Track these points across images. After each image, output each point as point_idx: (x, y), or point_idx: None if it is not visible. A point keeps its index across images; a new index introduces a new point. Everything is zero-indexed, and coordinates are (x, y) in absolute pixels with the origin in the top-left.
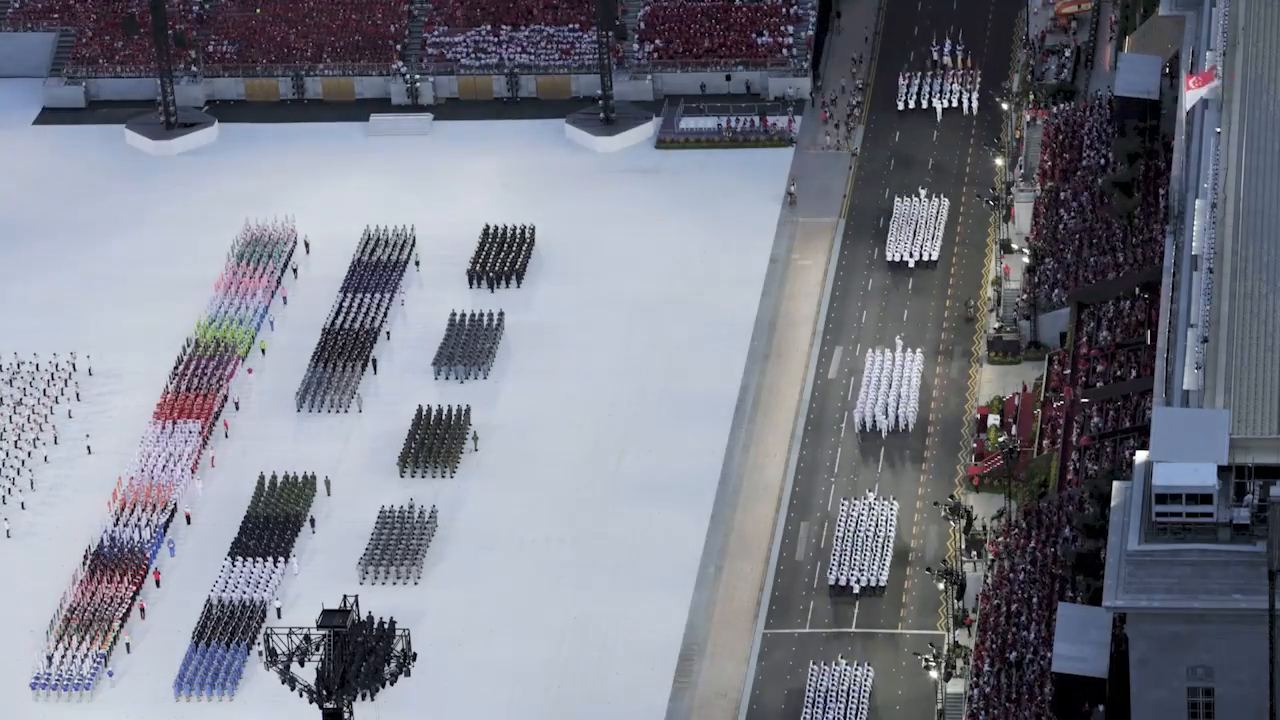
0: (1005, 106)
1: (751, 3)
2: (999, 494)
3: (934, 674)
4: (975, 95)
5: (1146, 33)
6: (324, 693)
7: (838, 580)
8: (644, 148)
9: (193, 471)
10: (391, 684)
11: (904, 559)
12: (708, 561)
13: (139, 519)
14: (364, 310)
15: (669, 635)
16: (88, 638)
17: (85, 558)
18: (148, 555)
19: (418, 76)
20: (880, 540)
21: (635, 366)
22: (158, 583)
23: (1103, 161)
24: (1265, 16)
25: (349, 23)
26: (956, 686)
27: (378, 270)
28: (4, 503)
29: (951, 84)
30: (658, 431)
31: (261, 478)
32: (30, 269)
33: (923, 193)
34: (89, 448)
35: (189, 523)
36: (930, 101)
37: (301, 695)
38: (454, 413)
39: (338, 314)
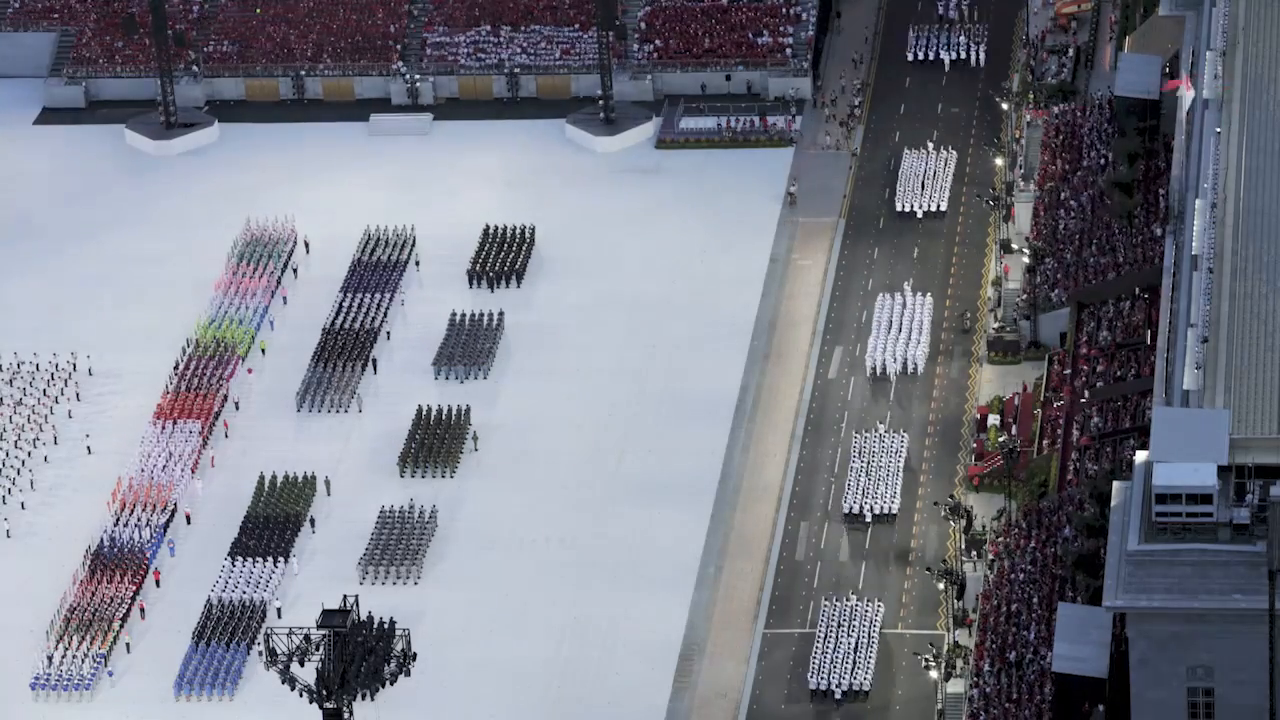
0: (1005, 106)
1: (751, 3)
2: (999, 494)
3: (934, 674)
4: (984, 48)
5: (1146, 33)
6: (324, 693)
7: (851, 509)
8: (644, 148)
9: (193, 471)
10: (391, 684)
11: (904, 559)
12: (708, 561)
13: (139, 519)
14: (364, 310)
15: (669, 635)
16: (88, 638)
17: (85, 558)
18: (148, 555)
19: (418, 76)
20: (891, 470)
21: (635, 366)
22: (158, 583)
23: (1103, 161)
24: (1265, 16)
25: (349, 23)
26: (956, 686)
27: (378, 270)
28: (4, 503)
29: (959, 36)
30: (657, 432)
31: (261, 478)
32: (30, 269)
33: (930, 145)
34: (89, 448)
35: (189, 523)
36: (938, 54)
37: (301, 695)
38: (454, 413)
39: (338, 314)
